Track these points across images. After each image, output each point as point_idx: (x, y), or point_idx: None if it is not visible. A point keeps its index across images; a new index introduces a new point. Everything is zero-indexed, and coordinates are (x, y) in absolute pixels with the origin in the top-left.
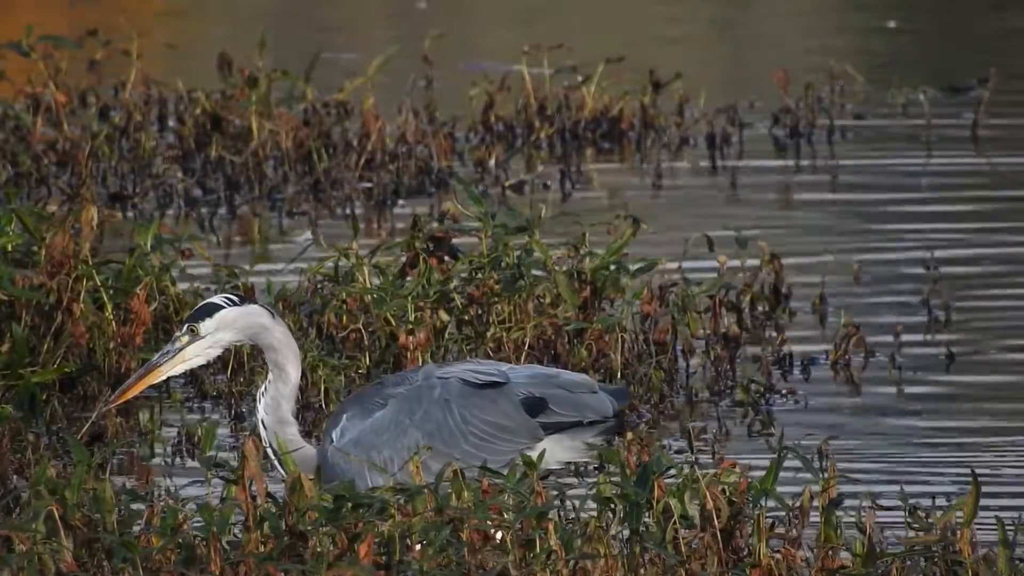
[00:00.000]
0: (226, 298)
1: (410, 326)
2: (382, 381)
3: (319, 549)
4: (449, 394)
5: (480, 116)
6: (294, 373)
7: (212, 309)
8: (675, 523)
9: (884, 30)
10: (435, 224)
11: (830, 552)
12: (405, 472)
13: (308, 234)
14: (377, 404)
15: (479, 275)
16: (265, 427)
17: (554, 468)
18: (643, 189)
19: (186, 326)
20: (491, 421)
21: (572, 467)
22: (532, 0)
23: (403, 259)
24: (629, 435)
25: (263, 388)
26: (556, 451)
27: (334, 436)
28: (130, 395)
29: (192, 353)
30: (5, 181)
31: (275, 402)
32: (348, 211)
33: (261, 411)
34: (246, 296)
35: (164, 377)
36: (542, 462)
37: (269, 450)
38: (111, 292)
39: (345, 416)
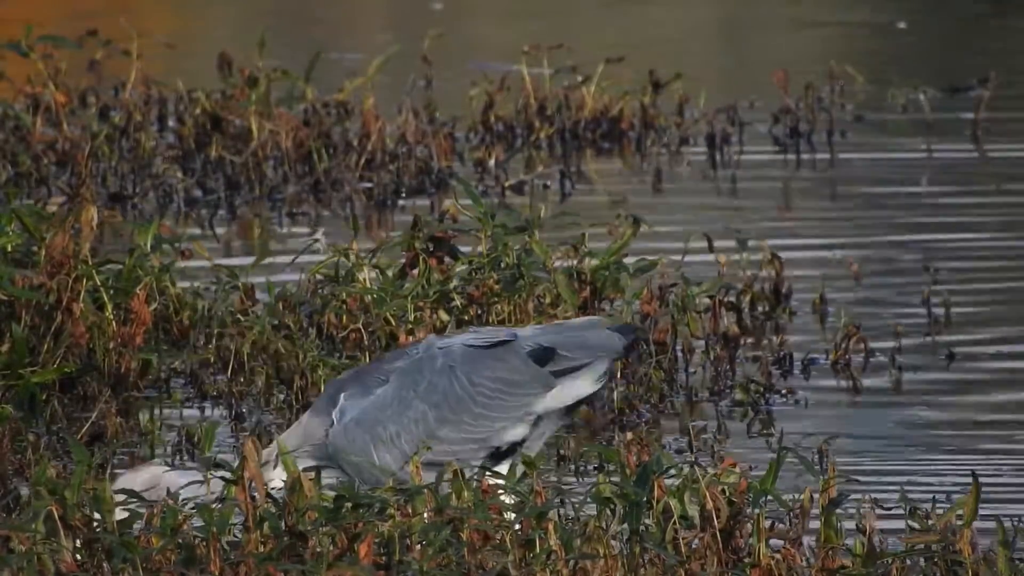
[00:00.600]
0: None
1: (410, 326)
2: (380, 358)
3: (319, 549)
4: (453, 360)
5: (480, 116)
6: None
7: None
8: (675, 523)
9: (884, 30)
10: (436, 223)
11: (830, 552)
12: (413, 446)
13: (320, 233)
14: (378, 380)
15: (479, 275)
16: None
17: (571, 405)
18: (643, 189)
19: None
20: (499, 377)
21: (572, 467)
22: (547, 1)
23: (402, 259)
24: (629, 435)
25: None
26: (572, 389)
27: (334, 417)
28: None
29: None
30: (5, 181)
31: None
32: (348, 211)
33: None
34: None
35: None
36: (559, 400)
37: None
38: (111, 292)
39: (343, 396)
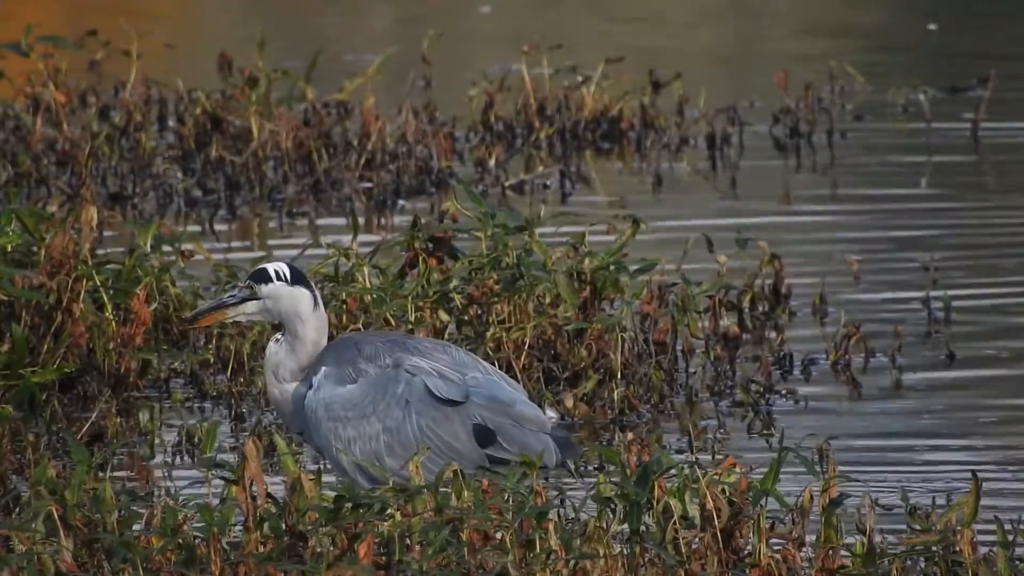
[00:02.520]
0: (282, 271)
1: (410, 326)
2: (359, 345)
3: (319, 549)
4: (411, 396)
5: (480, 116)
6: (304, 360)
7: (268, 277)
8: (675, 523)
9: (885, 30)
10: (435, 223)
11: (830, 552)
12: (367, 457)
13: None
14: (349, 375)
15: (479, 275)
16: (264, 376)
17: None
18: (643, 189)
19: (248, 281)
20: (444, 440)
21: (572, 467)
22: (593, 4)
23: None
24: (629, 435)
25: (277, 338)
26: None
27: (313, 382)
28: (203, 324)
29: (251, 308)
30: (5, 181)
31: (277, 366)
32: (348, 211)
33: (266, 361)
34: (303, 272)
35: (229, 320)
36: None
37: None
38: (111, 292)
39: (323, 369)
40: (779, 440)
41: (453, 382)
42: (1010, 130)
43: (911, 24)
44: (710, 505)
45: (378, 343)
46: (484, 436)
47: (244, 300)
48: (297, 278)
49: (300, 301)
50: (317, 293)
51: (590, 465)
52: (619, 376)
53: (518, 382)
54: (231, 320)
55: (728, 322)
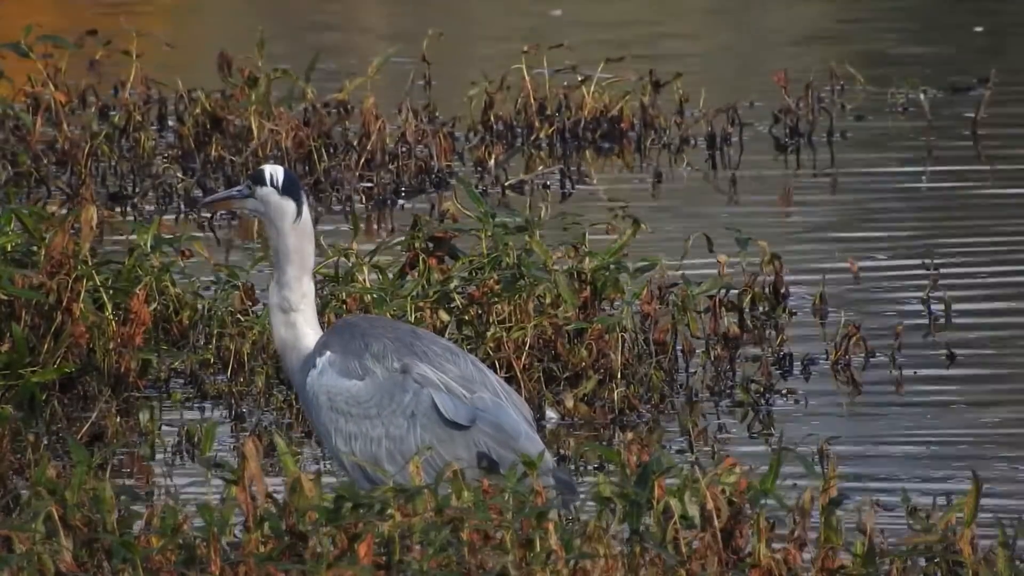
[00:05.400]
0: (276, 177)
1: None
2: (366, 338)
3: (319, 549)
4: (417, 409)
5: (480, 116)
6: (290, 272)
7: (263, 180)
8: (675, 523)
9: (885, 30)
10: (436, 223)
11: (830, 552)
12: (366, 458)
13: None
14: (355, 370)
15: (479, 275)
16: (271, 312)
17: None
18: (643, 189)
19: (249, 180)
20: (445, 460)
21: (572, 467)
22: (638, 8)
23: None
24: (629, 435)
25: (274, 278)
26: None
27: (317, 363)
28: (215, 208)
29: (250, 205)
30: (5, 181)
31: (275, 293)
32: (348, 211)
33: (269, 303)
34: (295, 181)
35: (236, 209)
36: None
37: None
38: (111, 292)
39: (328, 353)
40: (779, 440)
41: (461, 401)
42: (1011, 130)
43: (958, 26)
44: (710, 505)
45: (386, 340)
46: (487, 466)
47: (246, 196)
48: (288, 187)
49: (283, 212)
50: (305, 203)
51: (590, 465)
52: (619, 376)
53: (520, 385)
54: (238, 210)
55: (728, 322)
